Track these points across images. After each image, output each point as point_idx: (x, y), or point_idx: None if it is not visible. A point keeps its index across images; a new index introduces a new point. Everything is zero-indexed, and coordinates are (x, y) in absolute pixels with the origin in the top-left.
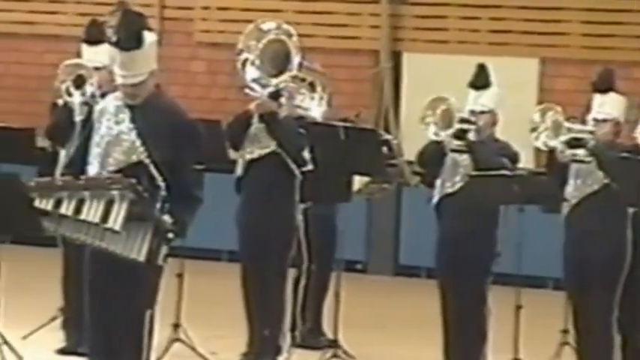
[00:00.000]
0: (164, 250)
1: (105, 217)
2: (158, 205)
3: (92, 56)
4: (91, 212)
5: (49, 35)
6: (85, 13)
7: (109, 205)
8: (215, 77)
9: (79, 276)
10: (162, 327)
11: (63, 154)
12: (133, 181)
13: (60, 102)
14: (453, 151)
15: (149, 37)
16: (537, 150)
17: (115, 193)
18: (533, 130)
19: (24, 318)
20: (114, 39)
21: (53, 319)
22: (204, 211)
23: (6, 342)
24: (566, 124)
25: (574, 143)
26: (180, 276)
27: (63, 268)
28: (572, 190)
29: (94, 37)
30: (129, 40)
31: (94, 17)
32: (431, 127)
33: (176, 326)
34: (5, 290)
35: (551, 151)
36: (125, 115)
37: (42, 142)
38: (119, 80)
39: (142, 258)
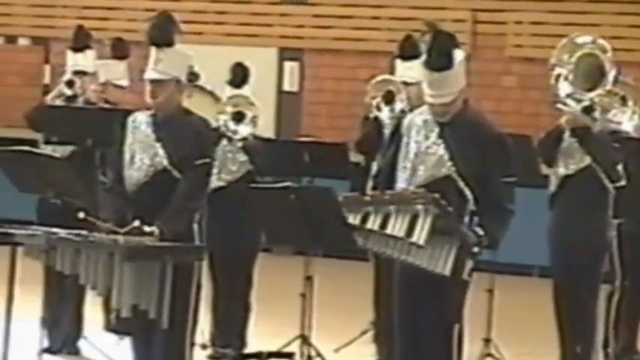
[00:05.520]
0: (469, 264)
1: (410, 231)
2: (466, 219)
3: (405, 72)
4: (396, 227)
5: (362, 51)
6: (398, 28)
7: (414, 219)
8: (527, 92)
9: (390, 290)
10: (473, 342)
11: (374, 168)
12: (437, 195)
13: (371, 116)
14: None
15: (459, 56)
16: None
17: (419, 207)
18: None
19: (336, 331)
20: (425, 59)
21: (365, 332)
22: (515, 225)
23: (319, 354)
24: None
25: None
26: (490, 291)
27: (374, 282)
28: None
29: (408, 53)
30: (440, 60)
31: (408, 33)
32: None
33: (487, 341)
34: (318, 303)
35: None
36: (434, 130)
37: (355, 156)
38: (429, 100)
39: (447, 272)
